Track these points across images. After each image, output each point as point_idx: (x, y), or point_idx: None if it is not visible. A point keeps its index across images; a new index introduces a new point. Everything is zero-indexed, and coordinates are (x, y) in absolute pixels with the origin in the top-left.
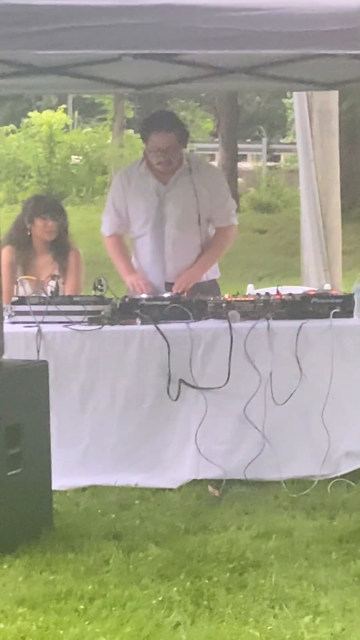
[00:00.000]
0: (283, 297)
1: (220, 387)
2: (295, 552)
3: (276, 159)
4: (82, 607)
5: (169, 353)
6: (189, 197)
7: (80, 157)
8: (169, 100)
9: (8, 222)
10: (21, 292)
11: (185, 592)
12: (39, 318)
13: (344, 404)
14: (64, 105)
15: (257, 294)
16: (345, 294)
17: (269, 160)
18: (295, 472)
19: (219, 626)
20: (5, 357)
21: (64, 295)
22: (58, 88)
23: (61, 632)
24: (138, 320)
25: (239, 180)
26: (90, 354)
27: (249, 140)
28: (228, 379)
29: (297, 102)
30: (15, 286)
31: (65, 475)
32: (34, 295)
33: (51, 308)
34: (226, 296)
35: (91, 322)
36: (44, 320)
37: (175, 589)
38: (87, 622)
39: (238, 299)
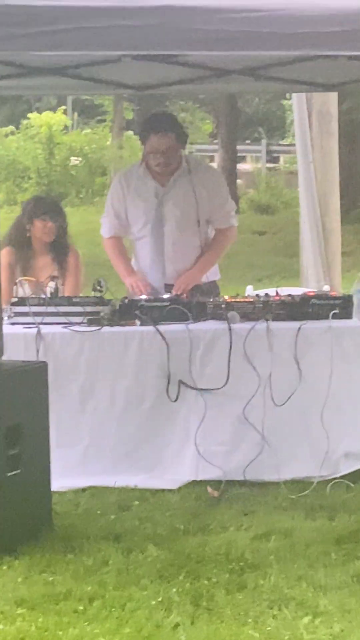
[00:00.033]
0: (282, 298)
1: (219, 388)
2: (294, 553)
3: (275, 160)
4: (81, 607)
5: (168, 354)
6: (188, 198)
7: (80, 159)
8: (169, 101)
9: (7, 223)
10: (20, 293)
11: (184, 593)
12: (38, 319)
13: (343, 405)
14: (63, 107)
15: (257, 295)
16: (345, 295)
17: (268, 161)
18: (295, 473)
19: (218, 627)
20: (4, 358)
21: (64, 296)
22: (57, 89)
23: (60, 632)
24: (137, 322)
25: (238, 181)
26: (90, 355)
27: (248, 141)
28: (227, 380)
29: (296, 103)
30: (14, 287)
31: (65, 476)
32: (33, 296)
33: (50, 309)
34: (225, 297)
35: (90, 323)
36: (44, 321)
37: (174, 589)
38: (86, 623)
39: (237, 300)
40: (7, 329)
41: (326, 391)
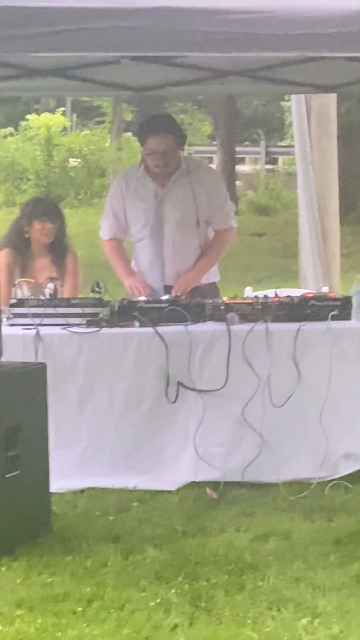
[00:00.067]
0: (281, 299)
1: (218, 390)
2: (293, 554)
3: (274, 161)
4: (80, 609)
5: (167, 355)
6: (188, 199)
7: (79, 160)
8: (168, 103)
9: (6, 224)
10: (19, 295)
11: (183, 594)
12: (37, 320)
13: (342, 406)
14: (62, 108)
15: (256, 296)
16: (343, 296)
17: (267, 163)
18: (294, 474)
19: (217, 628)
20: (3, 359)
21: (62, 298)
22: (56, 91)
23: (59, 634)
24: (136, 323)
25: (237, 183)
26: (89, 357)
27: (247, 143)
28: (226, 382)
29: (295, 105)
30: (13, 288)
31: (64, 478)
32: (32, 297)
33: (49, 310)
34: (224, 299)
35: (89, 324)
36: (42, 322)
37: (173, 591)
38: (85, 624)
39: (236, 301)
40: (6, 330)
41: (325, 392)
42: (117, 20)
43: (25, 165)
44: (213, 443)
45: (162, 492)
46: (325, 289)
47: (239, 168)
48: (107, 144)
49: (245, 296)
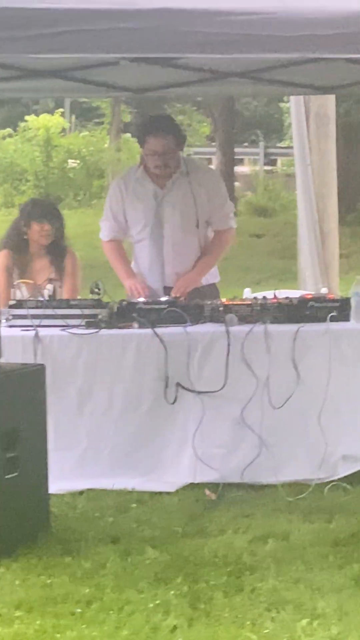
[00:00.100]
0: (280, 301)
1: (217, 391)
2: (292, 556)
3: (273, 163)
4: (79, 610)
5: (166, 357)
6: (187, 200)
7: (78, 161)
8: (167, 104)
9: (5, 225)
10: (18, 296)
11: (182, 596)
12: (36, 322)
13: (341, 407)
14: (61, 109)
15: (254, 297)
16: (342, 297)
17: (265, 164)
18: (292, 475)
19: (216, 630)
20: (2, 360)
21: (61, 299)
22: (55, 92)
23: (58, 635)
24: (135, 324)
25: (236, 184)
26: (88, 358)
27: (246, 144)
28: (225, 383)
29: (294, 106)
30: (12, 290)
31: (63, 479)
32: (31, 298)
33: (48, 312)
34: (223, 300)
35: (88, 325)
36: (41, 323)
37: (172, 592)
38: (84, 626)
39: (235, 302)
40: (4, 331)
41: (324, 394)
42: (118, 22)
43: (24, 166)
44: (212, 444)
45: (161, 493)
46: (324, 290)
47: (238, 169)
48: (106, 145)
49: (244, 297)
